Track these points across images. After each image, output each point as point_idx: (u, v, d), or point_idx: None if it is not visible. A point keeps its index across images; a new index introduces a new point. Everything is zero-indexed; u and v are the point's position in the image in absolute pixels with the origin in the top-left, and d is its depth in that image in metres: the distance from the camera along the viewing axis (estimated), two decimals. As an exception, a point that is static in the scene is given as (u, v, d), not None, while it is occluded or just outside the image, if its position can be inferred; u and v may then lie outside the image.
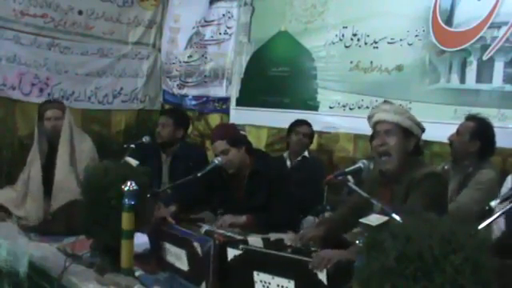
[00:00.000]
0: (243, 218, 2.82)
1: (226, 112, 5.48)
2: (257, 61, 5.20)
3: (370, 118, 2.39)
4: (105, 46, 5.78)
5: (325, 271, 1.86)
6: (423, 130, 2.35)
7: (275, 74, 4.99)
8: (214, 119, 5.64)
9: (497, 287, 1.25)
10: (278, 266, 2.01)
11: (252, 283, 2.05)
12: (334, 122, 4.48)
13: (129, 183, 2.25)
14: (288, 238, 2.51)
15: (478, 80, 3.58)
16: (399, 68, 4.02)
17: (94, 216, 2.37)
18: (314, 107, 4.63)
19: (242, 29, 5.35)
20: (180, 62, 6.02)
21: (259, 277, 2.04)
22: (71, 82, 5.53)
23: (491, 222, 1.77)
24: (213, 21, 5.68)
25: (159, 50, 6.25)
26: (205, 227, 2.61)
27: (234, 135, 3.03)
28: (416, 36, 3.91)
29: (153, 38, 6.21)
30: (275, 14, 5.02)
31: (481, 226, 1.68)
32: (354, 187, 2.17)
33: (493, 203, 1.86)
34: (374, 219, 1.67)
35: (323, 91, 4.59)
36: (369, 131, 2.45)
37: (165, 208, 2.75)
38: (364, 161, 2.24)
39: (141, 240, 2.58)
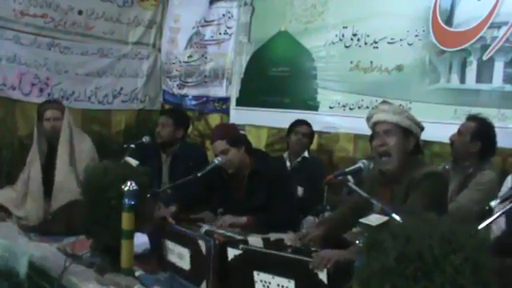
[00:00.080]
0: (243, 219, 2.82)
1: (226, 112, 5.48)
2: (257, 61, 5.20)
3: (368, 118, 2.39)
4: (105, 46, 5.78)
5: (325, 271, 1.86)
6: (422, 129, 2.35)
7: (275, 74, 4.98)
8: (214, 119, 5.64)
9: (497, 287, 1.25)
10: (278, 265, 2.01)
11: (252, 283, 2.06)
12: (334, 122, 4.48)
13: (129, 183, 2.25)
14: (288, 237, 2.51)
15: (478, 80, 3.58)
16: (399, 68, 4.02)
17: (94, 216, 2.37)
18: (314, 107, 4.63)
19: (242, 29, 5.35)
20: (180, 62, 6.02)
21: (259, 276, 2.04)
22: (71, 82, 5.53)
23: (491, 221, 1.78)
24: (213, 21, 5.68)
25: (159, 50, 6.25)
26: (205, 227, 2.61)
27: (233, 135, 3.03)
28: (416, 36, 3.91)
29: (153, 38, 6.21)
30: (275, 14, 5.02)
31: (481, 226, 1.68)
32: (354, 187, 2.17)
33: (493, 203, 1.86)
34: (374, 219, 1.67)
35: (323, 91, 4.59)
36: (369, 131, 2.45)
37: (165, 208, 2.75)
38: (364, 161, 2.24)
39: (141, 240, 2.59)
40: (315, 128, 4.20)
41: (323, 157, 4.44)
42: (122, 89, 5.97)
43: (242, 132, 3.69)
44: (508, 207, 1.82)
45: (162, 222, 2.59)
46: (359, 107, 4.26)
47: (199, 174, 2.84)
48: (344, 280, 1.45)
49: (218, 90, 5.64)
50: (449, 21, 3.74)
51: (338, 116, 4.45)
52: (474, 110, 3.32)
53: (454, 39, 3.69)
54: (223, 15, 5.58)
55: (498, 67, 3.47)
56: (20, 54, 5.15)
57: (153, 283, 2.30)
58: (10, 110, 5.14)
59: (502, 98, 3.44)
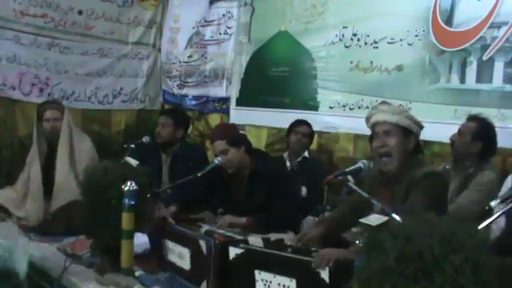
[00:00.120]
0: (243, 220, 2.82)
1: (226, 112, 5.48)
2: (257, 61, 5.20)
3: (367, 119, 2.39)
4: (105, 46, 5.78)
5: (327, 270, 1.86)
6: (422, 128, 2.35)
7: (275, 74, 4.98)
8: (214, 119, 5.64)
9: (497, 287, 1.25)
10: (279, 264, 2.02)
11: (253, 282, 2.06)
12: (334, 122, 4.47)
13: (129, 183, 2.25)
14: (288, 238, 2.51)
15: (478, 80, 3.58)
16: (399, 68, 4.02)
17: (94, 216, 2.37)
18: (314, 107, 4.63)
19: (242, 29, 5.35)
20: (180, 62, 6.02)
21: (260, 275, 2.04)
22: (71, 81, 5.53)
23: (491, 221, 1.78)
24: (213, 21, 5.68)
25: (159, 50, 6.25)
26: (205, 227, 2.61)
27: (233, 135, 3.03)
28: (416, 36, 3.91)
29: (153, 38, 6.21)
30: (275, 14, 5.02)
31: (481, 226, 1.68)
32: (354, 187, 2.17)
33: (493, 203, 1.86)
34: (374, 219, 1.67)
35: (323, 91, 4.59)
36: (369, 131, 2.45)
37: (165, 208, 2.75)
38: (364, 161, 2.24)
39: (141, 240, 2.59)
40: (315, 128, 4.20)
41: (323, 157, 4.44)
42: (122, 89, 5.96)
43: (241, 132, 3.69)
44: (508, 207, 1.82)
45: (162, 222, 2.59)
46: (359, 107, 4.25)
47: (199, 174, 2.84)
48: (346, 279, 1.45)
49: (218, 90, 5.64)
50: (449, 21, 3.74)
51: (338, 116, 4.45)
52: (474, 110, 3.32)
53: (454, 39, 3.69)
54: (223, 15, 5.58)
55: (498, 67, 3.47)
56: (20, 54, 5.15)
57: (153, 283, 2.30)
58: (10, 110, 5.14)
59: (502, 97, 3.44)
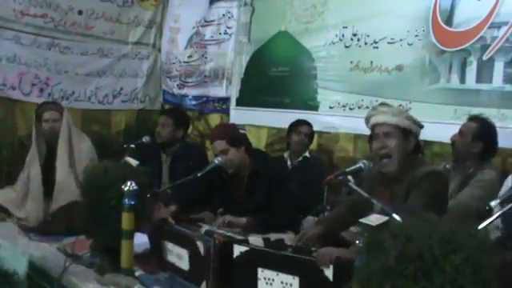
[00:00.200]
0: (243, 220, 2.82)
1: (226, 112, 5.48)
2: (257, 61, 5.20)
3: (367, 119, 2.39)
4: (105, 46, 5.78)
5: (331, 267, 1.86)
6: (422, 128, 2.35)
7: (275, 74, 4.98)
8: (214, 119, 5.64)
9: (497, 286, 1.25)
10: (282, 262, 2.02)
11: (255, 280, 2.06)
12: (334, 122, 4.47)
13: (129, 183, 2.25)
14: (288, 237, 2.51)
15: (478, 80, 3.58)
16: (399, 68, 4.02)
17: (93, 216, 2.37)
18: (314, 107, 4.63)
19: (242, 29, 5.35)
20: (180, 62, 6.02)
21: (263, 273, 2.05)
22: (71, 81, 5.53)
23: (491, 222, 1.77)
24: (213, 21, 5.68)
25: (159, 50, 6.25)
26: (205, 227, 2.61)
27: (233, 135, 3.03)
28: (416, 36, 3.91)
29: (153, 38, 6.21)
30: (275, 14, 5.02)
31: (481, 226, 1.68)
32: (355, 187, 2.17)
33: (492, 203, 1.86)
34: (374, 219, 1.67)
35: (323, 91, 4.59)
36: (369, 131, 2.45)
37: (165, 208, 2.75)
38: (364, 161, 2.25)
39: (141, 240, 2.58)
40: (315, 128, 4.20)
41: (323, 157, 4.44)
42: (122, 89, 5.96)
43: (241, 131, 3.69)
44: (507, 207, 1.82)
45: (160, 223, 2.59)
46: (359, 107, 4.25)
47: (199, 174, 2.84)
48: (349, 277, 1.45)
49: (218, 90, 5.64)
50: (449, 21, 3.74)
51: (338, 116, 4.45)
52: (474, 110, 3.32)
53: (454, 39, 3.69)
54: (223, 15, 5.58)
55: (498, 67, 3.47)
56: (20, 54, 5.15)
57: (153, 283, 2.30)
58: (10, 110, 5.14)
59: (501, 97, 3.44)
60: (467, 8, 3.64)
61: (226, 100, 5.52)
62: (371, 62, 4.20)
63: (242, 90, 5.32)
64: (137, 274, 2.35)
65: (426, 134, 2.41)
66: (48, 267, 2.57)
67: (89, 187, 2.44)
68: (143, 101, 6.16)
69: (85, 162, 3.20)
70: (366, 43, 4.26)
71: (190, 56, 5.89)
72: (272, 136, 4.98)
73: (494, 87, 3.49)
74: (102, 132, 5.68)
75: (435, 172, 2.31)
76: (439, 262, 1.21)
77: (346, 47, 4.41)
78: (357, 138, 4.28)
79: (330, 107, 4.53)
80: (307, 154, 4.07)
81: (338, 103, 4.45)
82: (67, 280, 2.40)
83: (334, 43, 4.51)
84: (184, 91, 5.99)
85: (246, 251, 2.13)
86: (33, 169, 3.31)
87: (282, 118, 4.63)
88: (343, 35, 4.43)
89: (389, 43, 4.09)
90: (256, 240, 2.33)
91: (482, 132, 2.98)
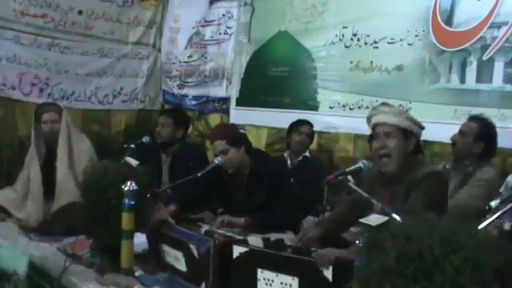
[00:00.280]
0: (241, 220, 2.82)
1: (226, 112, 5.48)
2: (257, 61, 5.20)
3: (368, 119, 2.39)
4: (105, 46, 5.78)
5: (330, 268, 1.86)
6: (423, 129, 2.35)
7: (275, 74, 4.98)
8: (214, 119, 5.64)
9: (497, 286, 1.25)
10: (282, 263, 2.02)
11: (255, 281, 2.06)
12: (334, 122, 4.48)
13: (129, 183, 2.25)
14: (288, 237, 2.51)
15: (478, 80, 3.58)
16: (399, 68, 4.02)
17: (93, 216, 2.37)
18: (314, 107, 4.63)
19: (242, 29, 5.35)
20: (180, 62, 6.02)
21: (263, 274, 2.04)
22: (71, 81, 5.53)
23: (491, 222, 1.77)
24: (213, 21, 5.68)
25: (159, 50, 6.25)
26: (205, 227, 2.61)
27: (233, 135, 3.03)
28: (416, 36, 3.91)
29: (153, 38, 6.21)
30: (275, 14, 5.02)
31: (481, 226, 1.68)
32: (354, 187, 2.17)
33: (493, 203, 1.86)
34: (374, 219, 1.67)
35: (323, 91, 4.59)
36: (369, 131, 2.45)
37: (165, 208, 2.75)
38: (364, 161, 2.25)
39: (140, 240, 2.58)
40: (315, 128, 4.20)
41: (323, 157, 4.44)
42: (122, 89, 5.97)
43: (241, 131, 3.69)
44: (508, 207, 1.82)
45: (158, 224, 2.58)
46: (359, 107, 4.26)
47: (199, 174, 2.84)
48: (348, 277, 1.45)
49: (218, 90, 5.64)
50: (449, 21, 3.74)
51: (338, 116, 4.45)
52: (474, 110, 3.32)
53: (454, 39, 3.69)
54: (223, 15, 5.58)
55: (498, 67, 3.47)
56: (20, 54, 5.15)
57: (153, 283, 2.30)
58: (10, 110, 5.14)
59: (501, 97, 3.44)
60: (467, 8, 3.64)
61: (226, 100, 5.52)
62: (371, 62, 4.20)
63: (242, 90, 5.32)
64: (137, 274, 2.34)
65: (426, 134, 2.41)
66: (48, 267, 2.57)
67: (89, 187, 2.44)
68: (143, 101, 6.17)
69: (84, 163, 3.20)
70: (366, 43, 4.26)
71: (190, 56, 5.90)
72: (272, 136, 4.98)
73: (494, 87, 3.49)
74: (101, 132, 5.68)
75: (435, 173, 2.32)
76: (439, 262, 1.21)
77: (346, 47, 4.41)
78: (357, 137, 4.29)
79: (330, 107, 4.53)
80: (307, 153, 4.07)
81: (338, 103, 4.45)
82: (67, 280, 2.40)
83: (334, 43, 4.51)
84: (184, 91, 5.99)
85: (246, 252, 2.12)
86: (32, 169, 3.31)
87: (281, 118, 4.63)
88: (343, 35, 4.43)
89: (389, 43, 4.10)
90: (256, 240, 2.33)
91: (483, 132, 2.97)
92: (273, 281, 2.02)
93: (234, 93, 5.40)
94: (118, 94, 5.94)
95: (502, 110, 3.41)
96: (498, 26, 3.45)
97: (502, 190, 2.75)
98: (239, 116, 5.23)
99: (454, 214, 2.51)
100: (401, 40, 4.00)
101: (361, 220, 1.70)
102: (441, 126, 3.50)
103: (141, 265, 2.43)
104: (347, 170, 2.23)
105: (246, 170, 2.98)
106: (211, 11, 5.69)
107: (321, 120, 4.48)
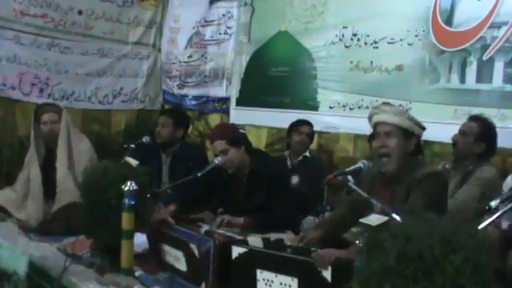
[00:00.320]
0: (240, 220, 2.82)
1: (226, 112, 5.48)
2: (257, 61, 5.20)
3: (370, 118, 2.39)
4: (105, 46, 5.79)
5: (330, 269, 1.86)
6: (424, 129, 2.35)
7: (275, 74, 4.99)
8: (214, 119, 5.64)
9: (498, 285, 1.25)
10: (281, 264, 2.02)
11: (254, 281, 2.06)
12: (334, 122, 4.48)
13: (129, 183, 2.25)
14: (288, 237, 2.51)
15: (478, 80, 3.59)
16: (399, 68, 4.02)
17: (93, 216, 2.36)
18: (314, 107, 4.63)
19: (242, 29, 5.35)
20: (180, 62, 6.02)
21: (262, 275, 2.04)
22: (71, 81, 5.53)
23: (491, 222, 1.77)
24: (213, 21, 5.68)
25: (159, 50, 6.25)
26: (205, 227, 2.61)
27: (233, 135, 3.03)
28: (416, 36, 3.91)
29: (153, 38, 6.21)
30: (275, 14, 5.02)
31: (481, 226, 1.68)
32: (354, 187, 2.17)
33: (493, 203, 1.86)
34: (374, 219, 1.67)
35: (323, 91, 4.59)
36: (369, 131, 2.45)
37: (165, 208, 2.75)
38: (364, 161, 2.25)
39: (140, 240, 2.58)
40: (315, 128, 4.20)
41: (323, 157, 4.45)
42: (122, 89, 5.97)
43: (241, 131, 3.69)
44: (508, 207, 1.82)
45: (158, 224, 2.58)
46: (359, 107, 4.26)
47: (199, 174, 2.84)
48: (347, 278, 1.45)
49: (218, 90, 5.64)
50: (449, 21, 3.74)
51: (338, 116, 4.45)
52: (474, 110, 3.32)
53: (454, 39, 3.69)
54: (223, 15, 5.58)
55: (498, 67, 3.47)
56: (20, 54, 5.15)
57: (153, 283, 2.30)
58: (10, 110, 5.14)
59: (501, 97, 3.45)
60: (467, 8, 3.64)
61: (226, 100, 5.52)
62: (371, 62, 4.20)
63: (242, 90, 5.33)
64: (137, 274, 2.34)
65: (426, 134, 2.41)
66: (48, 267, 2.57)
67: (89, 187, 2.43)
68: (143, 101, 6.17)
69: (84, 163, 3.19)
70: (366, 43, 4.26)
71: (190, 56, 5.90)
72: (272, 136, 4.98)
73: (494, 87, 3.49)
74: (101, 132, 5.68)
75: (435, 173, 2.32)
76: (439, 262, 1.21)
77: (346, 47, 4.41)
78: (357, 138, 4.29)
79: (330, 107, 4.53)
80: (307, 153, 4.07)
81: (338, 103, 4.46)
82: (67, 280, 2.40)
83: (334, 43, 4.51)
84: (184, 91, 5.99)
85: (245, 252, 2.12)
86: (32, 169, 3.31)
87: (282, 118, 4.64)
88: (343, 35, 4.43)
89: (389, 43, 4.10)
90: (255, 240, 2.33)
91: (484, 132, 2.98)
92: (272, 281, 2.01)
93: (233, 93, 5.40)
94: (118, 94, 5.94)
95: (502, 110, 3.41)
96: (498, 25, 3.45)
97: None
98: (239, 116, 5.23)
99: (454, 215, 2.51)
100: (401, 40, 4.00)
101: (361, 220, 1.69)
102: (441, 126, 3.50)
103: (141, 265, 2.42)
104: (347, 169, 2.23)
105: (245, 170, 2.98)
106: (211, 11, 5.69)
107: (321, 120, 4.49)
